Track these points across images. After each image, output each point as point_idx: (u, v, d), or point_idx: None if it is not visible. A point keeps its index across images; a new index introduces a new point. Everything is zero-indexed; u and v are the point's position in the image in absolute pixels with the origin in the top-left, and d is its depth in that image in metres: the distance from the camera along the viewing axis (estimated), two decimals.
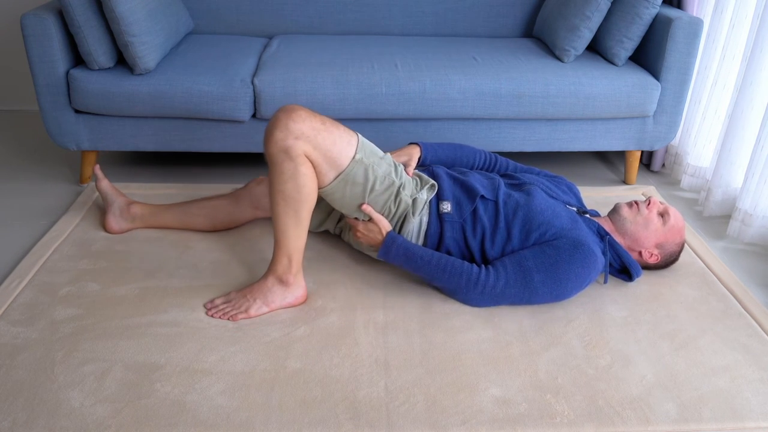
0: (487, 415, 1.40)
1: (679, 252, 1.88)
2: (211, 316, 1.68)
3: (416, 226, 1.78)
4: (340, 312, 1.72)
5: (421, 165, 1.96)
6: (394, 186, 1.73)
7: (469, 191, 1.79)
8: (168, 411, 1.38)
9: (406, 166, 1.88)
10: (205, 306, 1.72)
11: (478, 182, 1.83)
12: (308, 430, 1.35)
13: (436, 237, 1.78)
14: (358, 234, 1.80)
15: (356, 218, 1.79)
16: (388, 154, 1.80)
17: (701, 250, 2.07)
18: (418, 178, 1.82)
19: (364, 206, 1.74)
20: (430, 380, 1.49)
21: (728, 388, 1.50)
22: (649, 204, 1.84)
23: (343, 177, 1.65)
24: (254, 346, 1.58)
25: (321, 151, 1.60)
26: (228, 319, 1.67)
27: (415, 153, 1.93)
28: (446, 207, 1.77)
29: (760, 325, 1.72)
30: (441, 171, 1.87)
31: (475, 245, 1.77)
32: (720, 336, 1.67)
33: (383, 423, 1.37)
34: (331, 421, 1.37)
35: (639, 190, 2.51)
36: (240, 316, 1.67)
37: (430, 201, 1.79)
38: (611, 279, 1.88)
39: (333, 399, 1.43)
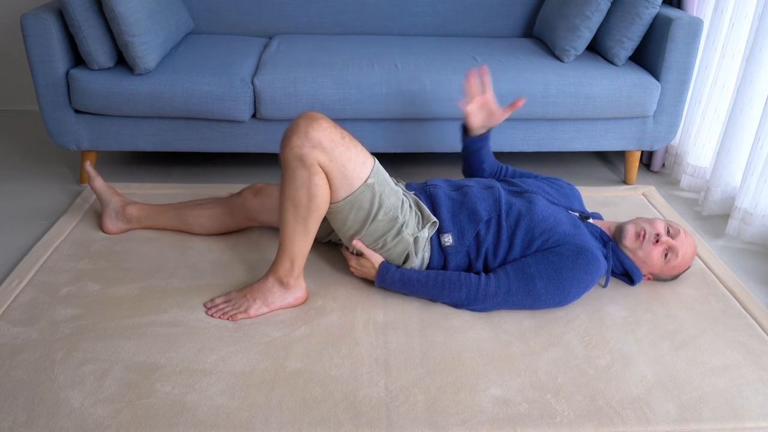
0: (487, 415, 1.40)
1: (676, 278, 1.87)
2: (211, 315, 1.68)
3: (418, 263, 1.77)
4: (340, 312, 1.71)
5: (422, 187, 1.91)
6: (397, 222, 1.69)
7: (471, 215, 1.75)
8: (168, 411, 1.38)
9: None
10: (205, 306, 1.72)
11: (479, 198, 1.78)
12: (308, 430, 1.35)
13: (439, 267, 1.78)
14: (352, 269, 1.81)
15: (351, 252, 1.79)
16: (401, 186, 1.77)
17: (701, 249, 2.07)
18: (420, 214, 1.76)
19: (355, 241, 1.73)
20: (430, 380, 1.49)
21: (728, 388, 1.50)
22: (657, 241, 1.76)
23: (351, 199, 1.62)
24: (254, 346, 1.58)
25: (336, 165, 1.57)
26: (228, 319, 1.66)
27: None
28: (448, 240, 1.75)
29: (760, 325, 1.72)
30: (440, 193, 1.81)
31: (478, 264, 1.76)
32: (720, 336, 1.67)
33: (383, 423, 1.37)
34: (331, 421, 1.37)
35: (639, 190, 2.51)
36: (240, 316, 1.67)
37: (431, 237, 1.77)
38: (612, 279, 1.87)
39: (333, 399, 1.43)
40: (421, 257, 1.76)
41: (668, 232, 1.79)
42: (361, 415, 1.39)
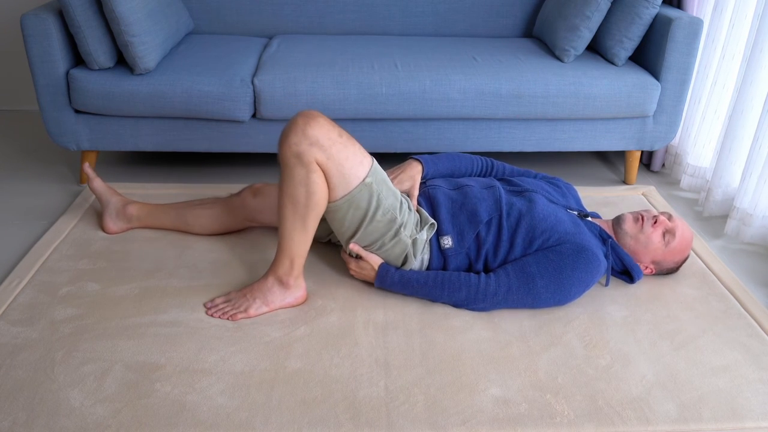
0: (487, 415, 1.40)
1: (678, 268, 1.87)
2: (211, 315, 1.68)
3: (417, 265, 1.77)
4: (340, 312, 1.71)
5: (421, 188, 1.89)
6: (395, 223, 1.68)
7: (471, 216, 1.74)
8: (168, 411, 1.38)
9: (410, 195, 1.82)
10: (205, 306, 1.72)
11: (479, 199, 1.77)
12: (308, 430, 1.35)
13: (439, 269, 1.77)
14: (351, 272, 1.80)
15: (349, 255, 1.79)
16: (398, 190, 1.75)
17: (701, 249, 2.07)
18: (418, 215, 1.77)
19: (352, 245, 1.72)
20: (430, 380, 1.49)
21: (728, 388, 1.50)
22: (655, 222, 1.79)
23: (349, 198, 1.62)
24: (254, 346, 1.58)
25: (333, 163, 1.56)
26: (228, 318, 1.66)
27: (417, 173, 1.87)
28: (447, 242, 1.74)
29: (760, 325, 1.72)
30: (439, 194, 1.80)
31: (479, 264, 1.76)
32: (720, 336, 1.67)
33: (383, 423, 1.37)
34: (331, 421, 1.37)
35: (639, 190, 2.51)
36: (240, 315, 1.67)
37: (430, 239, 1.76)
38: (612, 279, 1.87)
39: (333, 399, 1.43)
40: (420, 259, 1.76)
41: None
42: (361, 415, 1.39)
